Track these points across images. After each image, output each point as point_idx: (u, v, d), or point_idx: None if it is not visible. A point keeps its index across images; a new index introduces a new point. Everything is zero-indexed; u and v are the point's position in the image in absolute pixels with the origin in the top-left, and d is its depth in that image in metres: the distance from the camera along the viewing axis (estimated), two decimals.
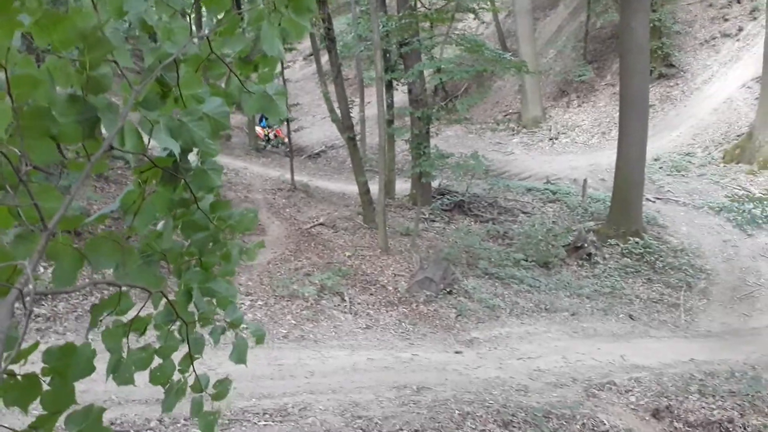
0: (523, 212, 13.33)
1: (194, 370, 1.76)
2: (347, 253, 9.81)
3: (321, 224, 11.36)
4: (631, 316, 9.31)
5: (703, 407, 5.38)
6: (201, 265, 1.67)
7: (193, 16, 1.54)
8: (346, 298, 7.98)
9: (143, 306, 1.53)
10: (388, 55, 13.73)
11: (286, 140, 16.67)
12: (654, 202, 13.47)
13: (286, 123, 16.65)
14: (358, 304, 8.08)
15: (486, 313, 8.56)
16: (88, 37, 1.17)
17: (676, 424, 4.88)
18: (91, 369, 1.31)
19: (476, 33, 21.55)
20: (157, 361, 1.65)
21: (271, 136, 18.65)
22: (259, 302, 7.29)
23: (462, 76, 11.61)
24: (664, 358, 7.50)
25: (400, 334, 7.38)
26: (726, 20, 18.88)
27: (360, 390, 5.39)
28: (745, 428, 4.98)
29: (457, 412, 4.83)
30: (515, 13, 19.77)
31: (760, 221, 11.83)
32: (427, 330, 7.67)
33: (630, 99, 11.60)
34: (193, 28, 1.48)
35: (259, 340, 1.92)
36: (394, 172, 14.01)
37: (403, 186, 14.34)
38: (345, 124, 11.38)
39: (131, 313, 1.55)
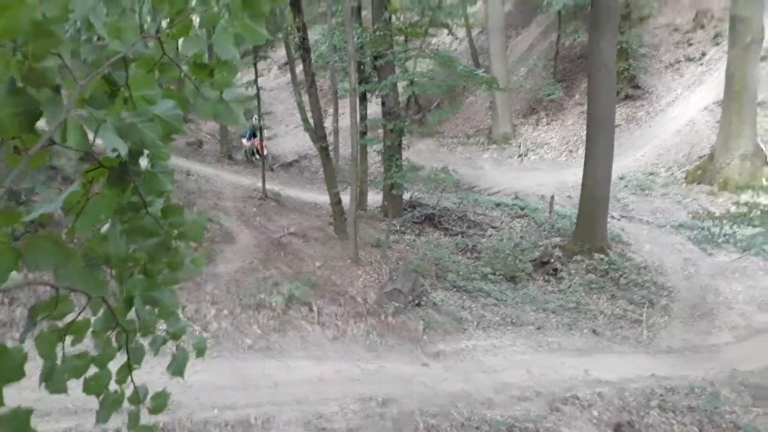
0: (492, 227, 13.49)
1: (132, 381, 1.71)
2: (317, 264, 9.76)
3: (292, 234, 11.28)
4: (594, 332, 9.46)
5: (663, 422, 5.49)
6: (145, 273, 1.62)
7: (149, 18, 1.49)
8: (315, 309, 7.93)
9: (81, 311, 1.49)
10: (362, 67, 13.81)
11: (265, 152, 16.40)
12: (618, 219, 13.77)
13: (259, 131, 16.42)
14: (327, 314, 8.04)
15: (453, 325, 8.60)
16: (35, 27, 1.13)
17: None
18: (21, 374, 1.27)
19: (450, 49, 21.87)
20: (93, 369, 1.59)
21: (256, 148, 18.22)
22: (225, 311, 7.19)
23: (434, 90, 11.76)
24: (626, 373, 7.65)
25: (367, 345, 7.36)
26: (690, 45, 19.52)
27: (325, 401, 5.35)
28: None
29: (421, 424, 4.83)
30: (488, 31, 20.10)
31: (719, 240, 12.17)
32: (394, 342, 7.66)
33: (597, 118, 11.86)
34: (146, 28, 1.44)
35: (200, 352, 1.87)
36: (366, 183, 14.03)
37: (375, 198, 14.37)
38: (318, 134, 11.35)
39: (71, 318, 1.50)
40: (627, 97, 18.88)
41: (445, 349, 7.83)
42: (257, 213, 12.36)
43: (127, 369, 1.70)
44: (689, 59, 19.23)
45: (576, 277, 11.31)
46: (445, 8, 11.35)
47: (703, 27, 19.80)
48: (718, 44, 18.66)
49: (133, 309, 1.65)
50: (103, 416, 1.65)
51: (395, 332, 7.94)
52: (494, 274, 10.94)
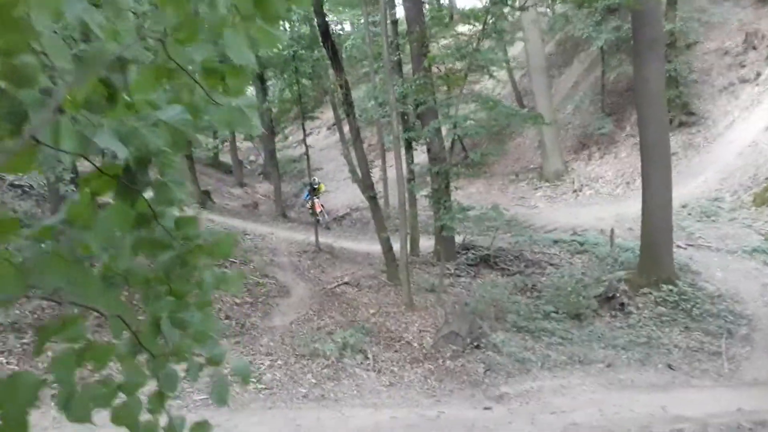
0: (551, 264, 13.07)
1: (166, 411, 1.58)
2: (371, 311, 9.68)
3: (345, 283, 11.29)
4: (670, 366, 8.85)
5: None
6: (171, 293, 1.52)
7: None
8: (369, 356, 7.79)
9: (94, 332, 1.43)
10: (406, 117, 14.03)
11: (319, 209, 16.95)
12: (685, 248, 13.09)
13: (310, 188, 17.09)
14: (382, 361, 7.88)
15: (516, 367, 8.24)
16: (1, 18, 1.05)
17: None
18: (34, 399, 1.21)
19: (493, 93, 21.99)
20: (122, 398, 1.47)
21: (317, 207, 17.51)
22: (279, 362, 7.16)
23: (477, 131, 11.74)
24: (708, 409, 7.06)
25: (425, 390, 7.12)
26: (743, 66, 18.90)
27: None
28: None
29: None
30: (530, 72, 20.15)
31: None
32: (453, 386, 7.39)
33: (650, 147, 11.52)
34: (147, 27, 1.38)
35: (245, 379, 1.74)
36: (417, 230, 13.99)
37: (427, 243, 14.27)
38: (366, 183, 11.49)
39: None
40: (681, 124, 18.31)
41: (508, 391, 7.48)
42: (311, 266, 12.47)
43: (159, 397, 1.58)
44: (743, 81, 18.58)
45: (645, 311, 10.71)
46: (483, 52, 11.46)
47: (755, 48, 19.19)
48: None
49: (161, 332, 1.53)
50: None
51: (454, 376, 7.67)
52: (557, 313, 10.51)
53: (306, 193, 18.06)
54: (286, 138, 26.66)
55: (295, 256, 13.07)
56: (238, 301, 9.63)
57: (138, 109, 1.33)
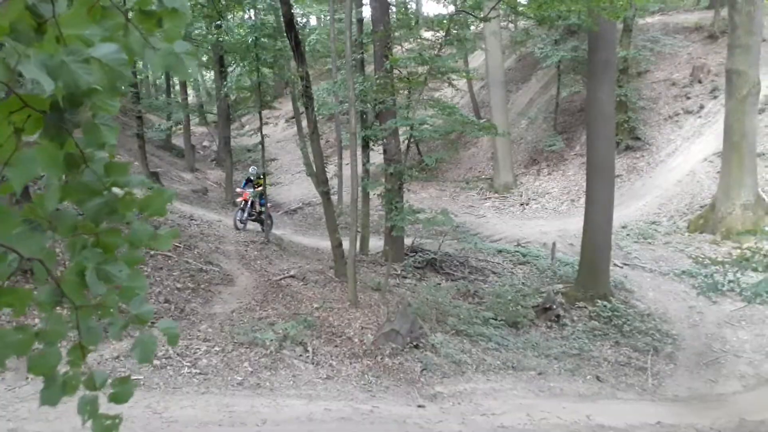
0: (494, 272, 13.38)
1: (87, 364, 1.54)
2: (315, 305, 9.66)
3: (291, 276, 11.23)
4: (598, 378, 9.21)
5: None
6: (99, 244, 1.47)
7: None
8: (309, 349, 7.78)
9: (11, 274, 1.32)
10: (365, 115, 14.09)
11: (260, 209, 14.32)
12: (621, 267, 13.64)
13: (263, 177, 15.08)
14: (321, 355, 7.89)
15: (452, 368, 8.40)
16: None
17: None
18: None
19: (452, 102, 22.32)
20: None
21: (240, 199, 14.78)
22: (216, 348, 7.07)
23: (432, 135, 11.92)
24: (630, 420, 7.38)
25: (361, 385, 7.17)
26: (688, 98, 19.86)
27: None
28: None
29: None
30: (489, 85, 20.58)
31: (724, 288, 11.99)
32: (390, 383, 7.47)
33: (596, 166, 11.95)
34: None
35: (172, 339, 1.67)
36: (368, 228, 14.06)
37: (377, 243, 14.36)
38: (320, 179, 11.47)
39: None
40: (628, 147, 19.09)
41: (442, 391, 7.62)
42: (258, 257, 12.34)
43: (80, 350, 1.53)
44: (688, 112, 19.53)
45: (579, 324, 11.11)
46: (444, 58, 11.64)
47: (700, 81, 20.20)
48: (715, 98, 18.98)
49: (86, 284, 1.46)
50: (48, 397, 1.48)
51: (391, 373, 7.75)
52: (496, 319, 10.76)
53: (243, 182, 15.40)
54: (242, 126, 26.29)
55: (242, 246, 12.91)
56: (179, 285, 9.44)
57: (68, 45, 1.25)
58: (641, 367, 9.97)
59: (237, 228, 14.10)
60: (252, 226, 14.65)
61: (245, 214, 14.29)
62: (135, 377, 5.65)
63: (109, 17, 1.31)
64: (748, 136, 14.49)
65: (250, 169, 15.36)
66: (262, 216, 14.32)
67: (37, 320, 5.24)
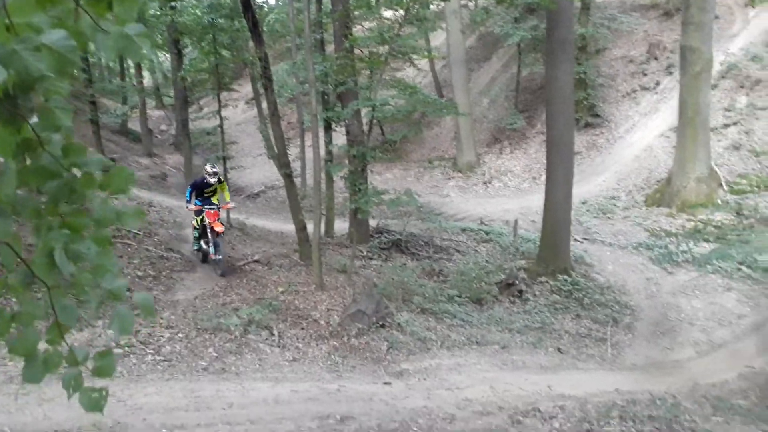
0: (458, 251, 13.54)
1: (66, 342, 1.58)
2: (280, 289, 9.63)
3: (255, 261, 11.15)
4: (559, 350, 9.47)
5: (623, 430, 5.46)
6: (65, 225, 1.51)
7: None
8: (275, 332, 7.77)
9: None
10: (326, 96, 13.96)
11: (220, 228, 10.11)
12: (581, 242, 13.96)
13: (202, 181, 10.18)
14: (288, 338, 7.89)
15: (417, 345, 8.52)
16: None
17: None
18: None
19: (414, 81, 22.29)
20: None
21: (207, 222, 10.00)
22: (180, 335, 7.00)
23: (394, 115, 11.90)
24: (589, 389, 7.64)
25: (328, 366, 7.22)
26: (645, 75, 20.26)
27: (281, 421, 5.21)
28: None
29: None
30: (450, 64, 20.59)
31: (678, 259, 12.43)
32: (356, 362, 7.54)
33: (556, 143, 12.13)
34: None
35: (147, 311, 1.70)
36: (333, 211, 14.01)
37: (342, 226, 14.34)
38: (282, 161, 11.35)
39: None
40: (587, 125, 19.42)
41: (408, 368, 7.73)
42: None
43: (57, 328, 1.58)
44: (644, 88, 19.94)
45: (541, 298, 11.36)
46: (404, 38, 11.58)
47: (656, 59, 20.61)
48: (671, 74, 19.41)
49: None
50: (30, 375, 1.53)
51: (358, 353, 7.82)
52: (460, 297, 10.93)
53: (188, 189, 10.44)
54: (201, 109, 25.74)
55: None
56: (140, 273, 9.29)
57: (18, 33, 1.28)
58: (601, 338, 10.28)
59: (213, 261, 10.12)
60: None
61: (217, 249, 9.91)
62: None
63: (58, 3, 1.34)
64: (702, 111, 14.88)
65: (206, 166, 10.46)
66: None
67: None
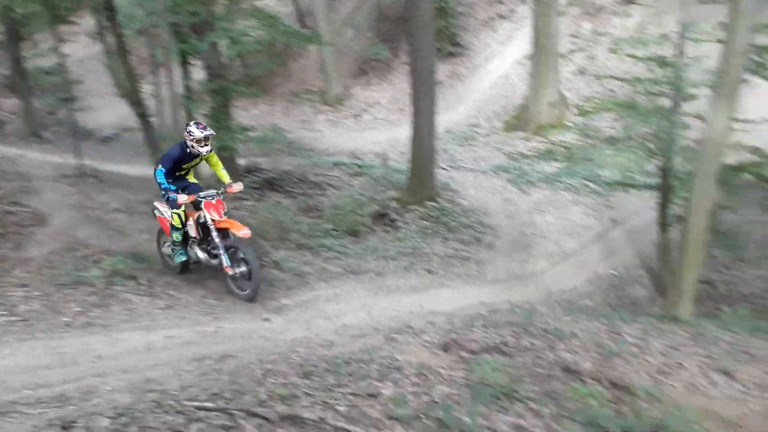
0: (332, 186, 13.63)
1: None
2: (144, 237, 9.18)
3: (116, 209, 10.48)
4: (429, 271, 10.06)
5: (485, 335, 5.98)
6: None
7: None
8: (144, 281, 7.46)
9: None
10: (179, 28, 12.95)
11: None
12: (447, 170, 14.59)
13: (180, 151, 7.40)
14: (159, 286, 7.61)
15: (296, 280, 8.63)
16: None
17: (461, 353, 5.37)
18: None
19: (275, 11, 21.36)
20: None
21: (209, 219, 7.29)
22: (36, 293, 6.51)
23: (255, 47, 11.43)
24: (456, 303, 8.26)
25: (203, 309, 7.12)
26: (501, 3, 20.92)
27: (155, 367, 5.11)
28: (517, 347, 5.65)
29: (259, 371, 4.79)
30: None
31: (533, 179, 13.47)
32: (233, 303, 7.50)
33: (419, 75, 12.37)
34: None
35: None
36: None
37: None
38: (133, 99, 10.56)
39: None
40: (449, 54, 19.86)
41: (287, 303, 7.84)
42: (73, 192, 11.27)
43: None
44: (501, 17, 20.65)
45: (412, 225, 11.87)
46: None
47: None
48: (524, 2, 20.20)
49: None
50: None
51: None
52: (336, 230, 11.14)
53: (161, 169, 7.32)
54: (36, 45, 22.88)
55: (52, 182, 11.66)
56: None
57: None
58: (466, 257, 11.03)
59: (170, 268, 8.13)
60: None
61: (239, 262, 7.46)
62: None
63: None
64: (552, 38, 15.79)
65: (191, 127, 7.23)
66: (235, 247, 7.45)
67: None
